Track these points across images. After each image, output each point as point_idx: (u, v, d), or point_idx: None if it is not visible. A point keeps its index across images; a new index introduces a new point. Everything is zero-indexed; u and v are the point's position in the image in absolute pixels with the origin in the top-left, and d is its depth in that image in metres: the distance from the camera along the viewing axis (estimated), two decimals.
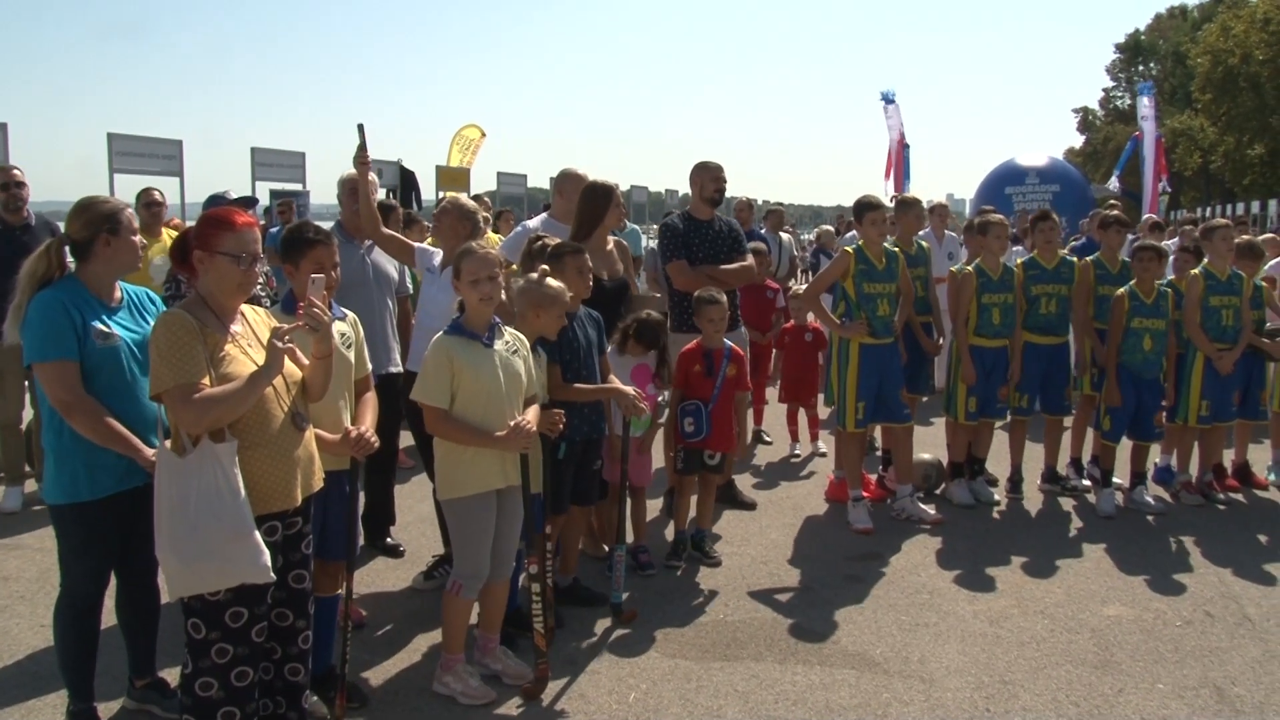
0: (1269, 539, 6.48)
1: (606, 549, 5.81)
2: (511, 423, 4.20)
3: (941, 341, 7.59)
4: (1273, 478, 7.69)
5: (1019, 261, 7.46)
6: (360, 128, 5.22)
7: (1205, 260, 7.21)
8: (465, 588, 4.34)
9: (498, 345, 4.31)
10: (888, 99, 26.28)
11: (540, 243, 5.33)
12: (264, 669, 3.64)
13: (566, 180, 6.50)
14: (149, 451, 3.69)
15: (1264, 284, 7.41)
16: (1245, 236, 7.52)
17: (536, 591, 4.49)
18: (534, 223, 6.70)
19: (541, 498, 4.69)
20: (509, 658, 4.60)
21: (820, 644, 4.95)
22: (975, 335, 6.99)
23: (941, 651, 4.85)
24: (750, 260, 6.98)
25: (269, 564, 3.36)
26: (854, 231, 9.26)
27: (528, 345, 4.52)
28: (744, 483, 7.63)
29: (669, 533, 6.28)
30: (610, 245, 6.12)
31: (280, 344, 3.36)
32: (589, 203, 6.01)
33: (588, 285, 5.13)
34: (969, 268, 7.06)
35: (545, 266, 4.75)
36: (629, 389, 5.15)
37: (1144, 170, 21.00)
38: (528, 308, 4.58)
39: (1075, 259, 7.43)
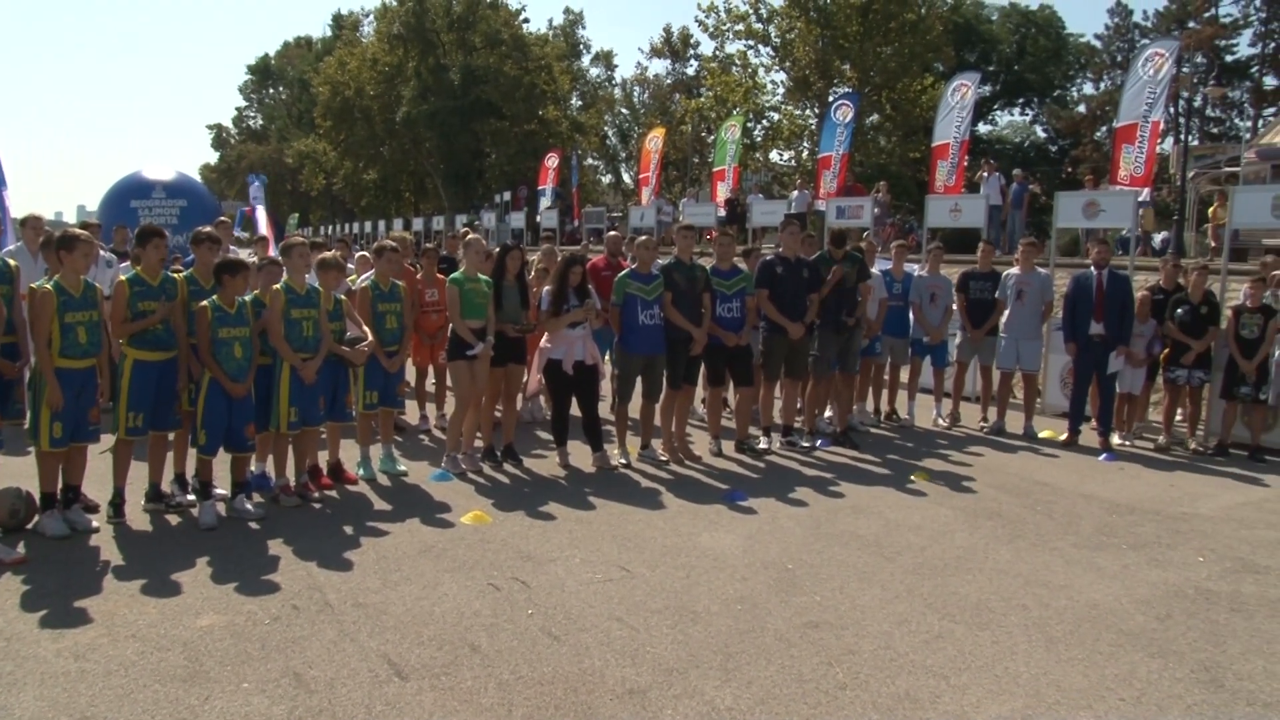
0: (354, 530, 7.13)
1: None
2: None
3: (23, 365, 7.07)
4: (361, 472, 8.52)
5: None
6: None
7: (285, 277, 7.69)
8: None
9: None
10: None
11: None
12: None
13: None
14: None
15: (343, 298, 8.12)
16: (326, 254, 8.20)
17: None
18: None
19: None
20: None
21: None
22: (61, 357, 6.59)
23: (15, 701, 4.50)
24: None
25: None
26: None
27: None
28: None
29: None
30: None
31: None
32: None
33: None
34: (48, 285, 6.63)
35: None
36: None
37: (256, 218, 24.29)
38: None
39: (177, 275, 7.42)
